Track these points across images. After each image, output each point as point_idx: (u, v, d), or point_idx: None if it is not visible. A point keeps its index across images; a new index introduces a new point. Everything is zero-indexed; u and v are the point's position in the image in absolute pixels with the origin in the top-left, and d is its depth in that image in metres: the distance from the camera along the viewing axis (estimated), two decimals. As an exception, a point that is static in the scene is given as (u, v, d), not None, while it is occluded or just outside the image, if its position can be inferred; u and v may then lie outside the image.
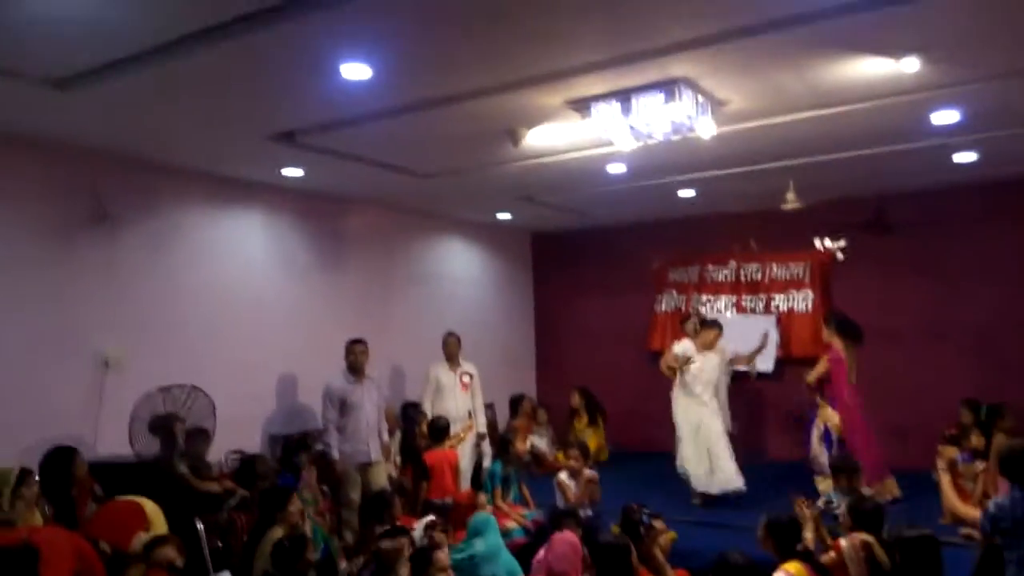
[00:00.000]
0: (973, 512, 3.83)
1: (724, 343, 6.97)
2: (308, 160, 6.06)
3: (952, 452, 4.86)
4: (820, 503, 5.55)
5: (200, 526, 4.70)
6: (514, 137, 5.38)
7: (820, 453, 6.70)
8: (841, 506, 4.91)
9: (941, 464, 4.26)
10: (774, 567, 3.55)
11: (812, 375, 6.72)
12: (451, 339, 7.43)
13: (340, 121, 5.07)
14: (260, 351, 6.84)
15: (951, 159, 6.49)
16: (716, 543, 4.39)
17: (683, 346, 6.88)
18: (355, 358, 6.01)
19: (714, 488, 6.54)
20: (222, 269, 6.71)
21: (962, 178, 7.24)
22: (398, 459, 6.71)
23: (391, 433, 6.70)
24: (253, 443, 6.59)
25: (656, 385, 8.33)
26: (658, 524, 4.44)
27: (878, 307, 7.75)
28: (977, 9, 3.58)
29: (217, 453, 5.79)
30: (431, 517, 5.08)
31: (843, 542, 3.65)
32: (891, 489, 6.39)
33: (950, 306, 7.79)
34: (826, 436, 6.70)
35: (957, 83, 4.53)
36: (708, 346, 6.83)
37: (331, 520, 5.66)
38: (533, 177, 6.83)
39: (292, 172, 6.47)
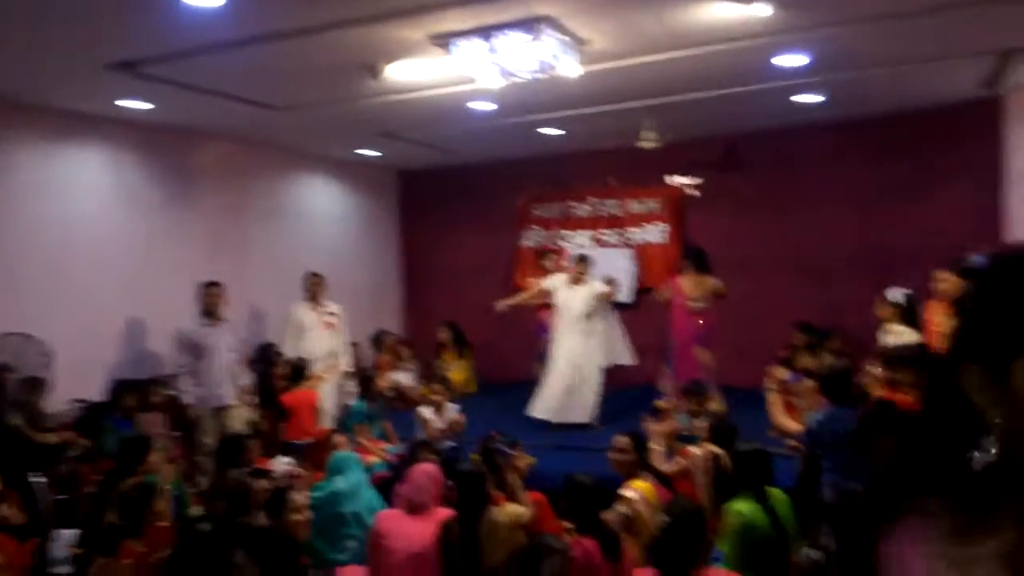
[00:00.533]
0: (796, 426, 4.22)
1: (596, 279, 7.23)
2: (154, 92, 5.66)
3: (782, 372, 5.30)
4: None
5: (41, 480, 4.45)
6: (373, 71, 5.22)
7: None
8: (690, 427, 5.34)
9: (770, 383, 4.62)
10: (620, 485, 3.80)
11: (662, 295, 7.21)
12: (313, 279, 7.28)
13: (187, 51, 4.74)
14: (105, 294, 6.45)
15: (797, 100, 6.87)
16: (569, 466, 4.65)
17: (552, 281, 7.15)
18: (209, 301, 5.80)
19: (563, 418, 6.86)
20: (60, 208, 6.23)
21: (807, 118, 7.68)
22: (254, 399, 6.57)
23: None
24: (99, 391, 6.24)
25: (520, 319, 8.58)
26: (516, 452, 4.61)
27: (728, 239, 8.20)
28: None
29: (59, 403, 5.47)
30: (287, 459, 5.03)
31: (693, 449, 3.92)
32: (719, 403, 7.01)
33: (792, 238, 8.35)
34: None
35: (807, 27, 4.76)
36: (577, 280, 7.08)
37: (184, 466, 5.52)
38: (395, 113, 6.68)
39: (137, 105, 6.02)
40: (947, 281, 4.90)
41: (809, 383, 5.47)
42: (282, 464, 4.82)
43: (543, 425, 6.91)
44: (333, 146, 8.59)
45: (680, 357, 6.97)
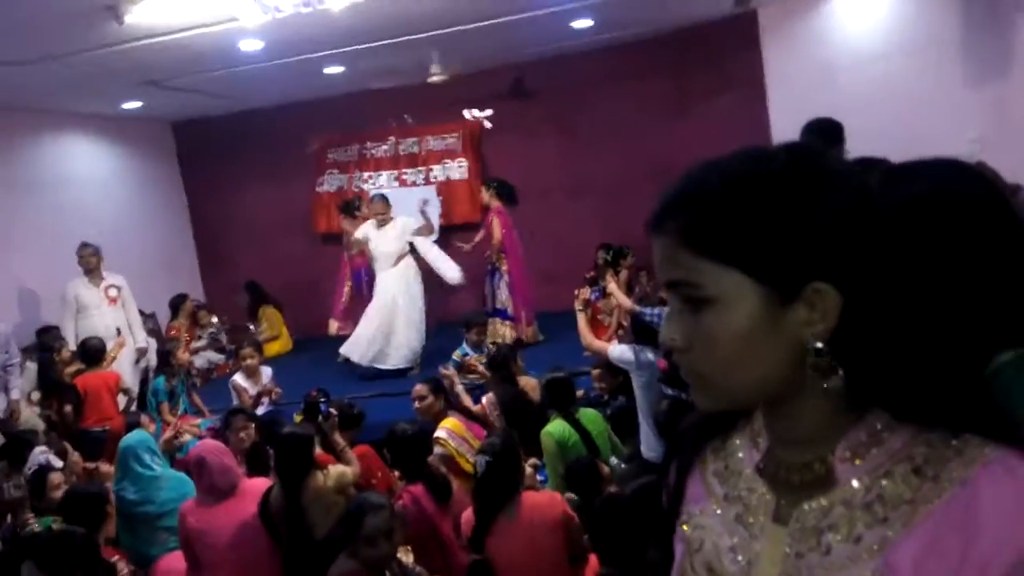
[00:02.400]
0: (604, 345, 4.43)
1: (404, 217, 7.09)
2: None
3: (586, 293, 5.50)
4: (455, 355, 6.01)
5: None
6: (117, 14, 4.66)
7: (508, 303, 7.29)
8: (471, 356, 5.59)
9: (578, 304, 4.78)
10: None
11: (494, 237, 7.20)
12: (87, 251, 6.58)
13: None
14: None
15: (571, 26, 6.98)
16: (398, 413, 4.62)
17: (362, 230, 6.94)
18: None
19: (385, 364, 6.77)
20: None
21: (583, 44, 7.86)
22: (36, 394, 5.93)
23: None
24: None
25: (328, 267, 8.30)
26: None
27: (524, 167, 8.33)
28: None
29: None
30: (41, 448, 4.57)
31: (484, 399, 4.11)
32: (535, 333, 7.34)
33: (586, 163, 8.60)
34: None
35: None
36: (383, 222, 6.91)
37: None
38: (152, 59, 6.02)
39: None
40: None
41: (613, 301, 5.75)
42: (36, 455, 4.38)
43: (366, 375, 6.80)
44: (91, 102, 7.67)
45: (517, 282, 7.18)
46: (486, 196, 7.35)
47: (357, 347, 6.83)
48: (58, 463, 4.41)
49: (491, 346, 6.09)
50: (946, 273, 0.83)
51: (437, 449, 3.89)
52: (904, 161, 1.04)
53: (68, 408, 5.53)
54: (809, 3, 7.16)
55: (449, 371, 4.88)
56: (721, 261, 0.75)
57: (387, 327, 6.77)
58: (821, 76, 7.12)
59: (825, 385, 0.75)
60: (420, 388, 4.46)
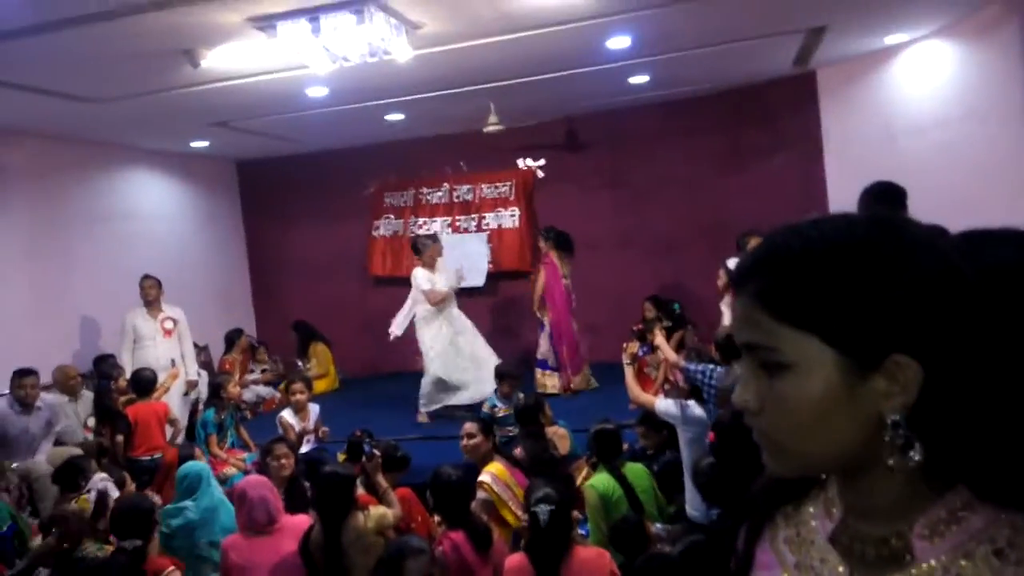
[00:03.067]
0: (650, 399, 4.38)
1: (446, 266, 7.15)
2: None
3: (634, 347, 5.48)
4: (485, 407, 5.93)
5: None
6: (193, 58, 4.88)
7: (549, 354, 7.31)
8: (499, 407, 5.53)
9: (626, 358, 4.77)
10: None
11: (536, 290, 7.29)
12: (148, 283, 6.79)
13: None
14: None
15: (627, 81, 7.08)
16: (440, 456, 4.60)
17: (429, 279, 6.84)
18: (25, 393, 5.35)
19: (466, 399, 6.64)
20: None
21: (639, 99, 7.95)
22: (91, 420, 6.08)
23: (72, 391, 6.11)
24: None
25: (380, 308, 8.40)
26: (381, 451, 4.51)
27: (575, 218, 8.36)
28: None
29: None
30: (102, 475, 4.67)
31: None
32: (588, 380, 7.29)
33: (637, 215, 8.63)
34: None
35: (626, 11, 4.89)
36: (435, 264, 6.96)
37: (17, 494, 5.04)
38: (224, 102, 6.29)
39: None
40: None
41: (661, 356, 5.70)
42: (96, 482, 4.48)
43: (406, 417, 6.81)
44: (161, 139, 8.01)
45: (561, 332, 7.20)
46: (544, 245, 7.38)
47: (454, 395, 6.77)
48: (115, 492, 4.50)
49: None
50: None
51: (480, 494, 3.85)
52: (976, 228, 1.02)
53: (120, 437, 5.64)
54: (869, 65, 7.13)
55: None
56: (800, 327, 0.75)
57: (469, 367, 6.76)
58: (880, 138, 7.06)
59: (902, 460, 0.73)
60: (470, 426, 4.43)
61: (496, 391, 5.97)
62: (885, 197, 3.36)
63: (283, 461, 4.57)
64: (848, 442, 0.75)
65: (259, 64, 5.28)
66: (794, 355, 0.75)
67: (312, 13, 4.25)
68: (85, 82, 5.46)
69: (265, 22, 4.36)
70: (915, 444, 0.73)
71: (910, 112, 6.89)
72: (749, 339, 0.79)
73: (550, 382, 7.22)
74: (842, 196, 6.93)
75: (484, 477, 3.98)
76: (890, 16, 5.84)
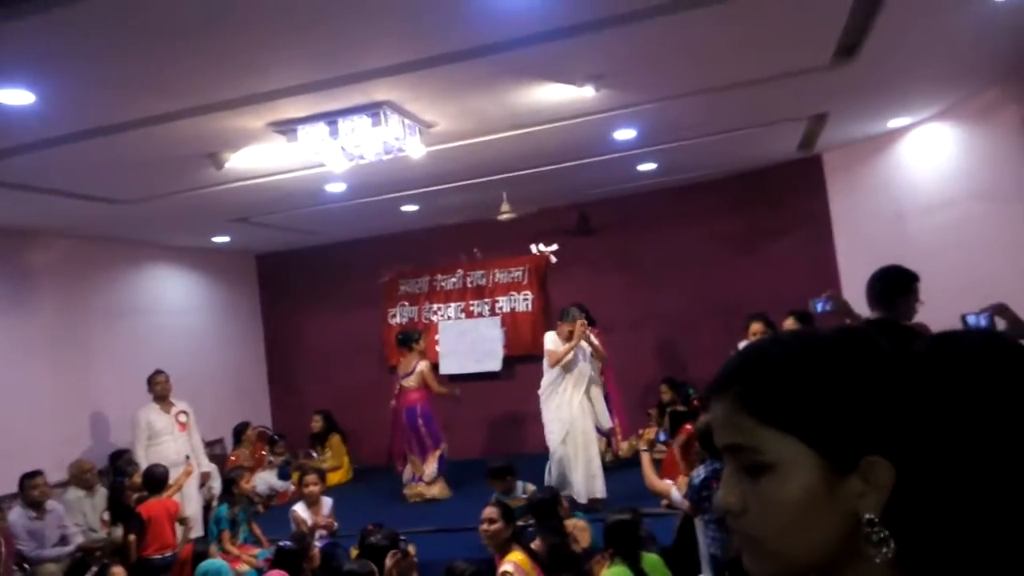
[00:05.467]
0: (665, 487, 4.32)
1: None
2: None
3: (651, 433, 5.44)
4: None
5: None
6: (216, 161, 5.09)
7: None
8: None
9: (642, 444, 4.73)
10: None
11: (598, 356, 6.93)
12: (161, 377, 6.83)
13: (6, 150, 4.44)
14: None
15: (636, 169, 7.26)
16: (454, 549, 4.54)
17: (555, 339, 6.52)
18: (38, 492, 5.49)
19: (589, 494, 6.18)
20: None
21: (648, 184, 8.13)
22: (107, 515, 6.05)
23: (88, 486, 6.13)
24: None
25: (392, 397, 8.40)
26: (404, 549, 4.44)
27: (588, 301, 8.38)
28: (641, 43, 4.03)
29: None
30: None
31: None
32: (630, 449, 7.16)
33: (649, 298, 8.69)
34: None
35: (630, 105, 5.08)
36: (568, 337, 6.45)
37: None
38: (245, 199, 6.52)
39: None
40: (792, 328, 5.22)
41: (676, 447, 5.67)
42: None
43: (417, 510, 6.72)
44: (184, 236, 8.24)
45: (614, 397, 7.17)
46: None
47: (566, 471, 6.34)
48: None
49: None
50: (993, 443, 0.83)
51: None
52: (951, 330, 1.06)
53: (132, 537, 5.60)
54: (874, 148, 7.27)
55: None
56: (781, 428, 0.79)
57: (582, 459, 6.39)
58: (888, 219, 7.14)
59: (877, 558, 0.76)
60: (491, 511, 4.30)
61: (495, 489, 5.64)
62: (891, 282, 3.41)
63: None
64: (827, 540, 0.78)
65: (279, 163, 5.50)
66: (777, 456, 0.79)
67: (330, 117, 4.45)
68: (113, 185, 5.68)
69: (286, 126, 4.57)
70: (889, 541, 0.76)
71: (917, 192, 6.98)
72: (732, 441, 0.82)
73: (602, 446, 6.80)
74: (853, 276, 6.96)
75: (507, 567, 3.91)
76: (889, 102, 6.01)
